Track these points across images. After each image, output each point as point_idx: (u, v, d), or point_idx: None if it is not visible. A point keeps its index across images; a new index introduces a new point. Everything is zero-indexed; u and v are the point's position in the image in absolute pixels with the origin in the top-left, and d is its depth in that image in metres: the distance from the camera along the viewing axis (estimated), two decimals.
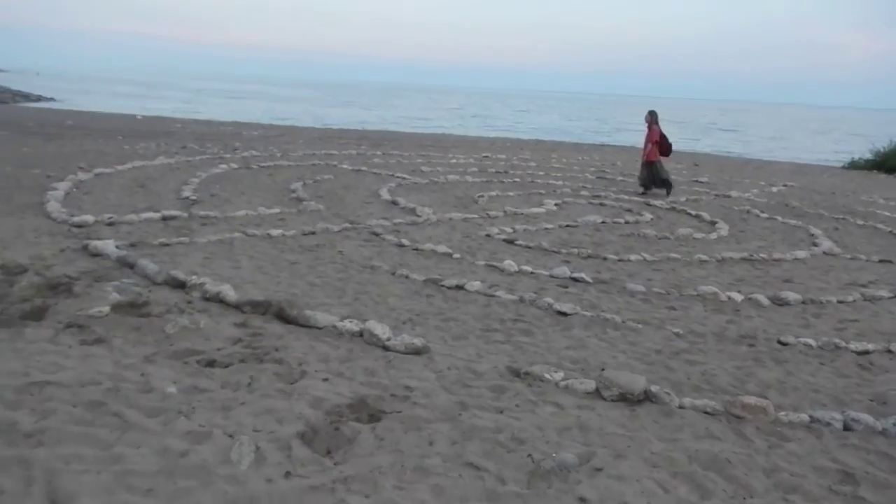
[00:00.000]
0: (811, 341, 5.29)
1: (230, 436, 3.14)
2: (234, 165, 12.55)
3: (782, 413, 3.89)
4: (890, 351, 5.22)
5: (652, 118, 13.22)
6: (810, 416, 3.87)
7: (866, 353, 5.18)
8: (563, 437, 3.43)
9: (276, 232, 7.54)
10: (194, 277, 5.39)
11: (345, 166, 13.79)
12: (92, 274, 5.47)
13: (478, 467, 3.08)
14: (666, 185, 12.90)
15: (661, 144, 13.01)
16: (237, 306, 4.95)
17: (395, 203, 10.11)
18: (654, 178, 12.96)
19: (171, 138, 17.24)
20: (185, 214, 8.00)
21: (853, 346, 5.26)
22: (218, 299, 5.06)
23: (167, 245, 6.65)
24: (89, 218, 7.31)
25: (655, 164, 12.94)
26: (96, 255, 6.05)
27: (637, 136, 39.14)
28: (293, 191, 10.40)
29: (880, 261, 8.54)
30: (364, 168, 13.75)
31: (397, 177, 12.87)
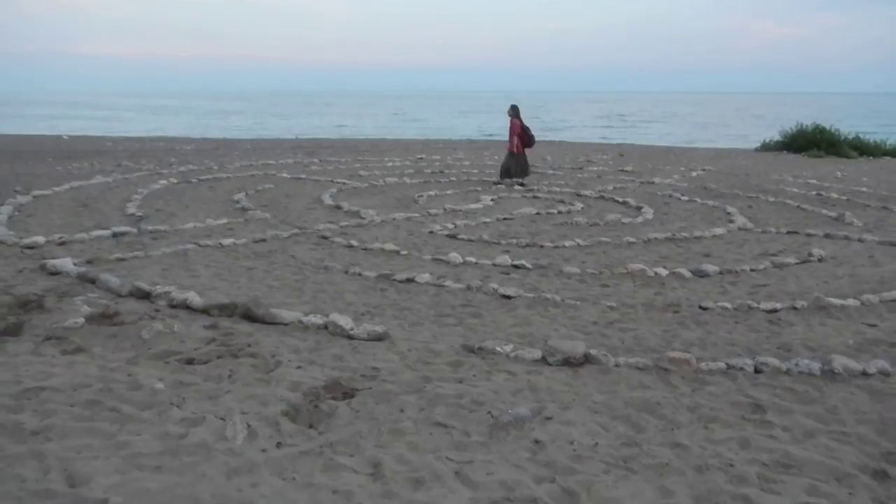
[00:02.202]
0: (728, 305, 5.94)
1: (222, 419, 3.50)
2: (174, 180, 12.65)
3: (703, 363, 4.47)
4: (795, 308, 5.92)
5: (514, 112, 13.94)
6: (727, 364, 4.47)
7: (775, 311, 5.86)
8: (516, 398, 3.91)
9: (227, 241, 7.81)
10: (158, 287, 5.66)
11: (284, 175, 14.02)
12: (56, 291, 5.67)
13: (445, 425, 3.53)
14: (524, 174, 13.73)
15: (523, 137, 13.84)
16: (205, 310, 5.25)
17: (338, 207, 10.46)
18: (517, 168, 13.72)
19: (104, 157, 17.08)
20: (135, 230, 8.17)
21: (763, 305, 5.94)
22: (185, 306, 5.35)
23: (123, 260, 6.85)
24: (40, 239, 7.42)
25: (519, 155, 13.75)
26: (55, 273, 6.22)
27: (570, 133, 40.30)
28: (237, 201, 10.62)
29: (788, 232, 9.38)
30: (303, 176, 14.01)
31: (337, 182, 13.20)
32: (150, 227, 8.34)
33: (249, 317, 5.15)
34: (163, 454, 3.15)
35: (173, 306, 5.38)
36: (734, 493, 2.99)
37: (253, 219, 9.39)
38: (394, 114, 69.58)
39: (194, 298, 5.40)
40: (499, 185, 13.38)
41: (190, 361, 4.31)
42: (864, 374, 4.44)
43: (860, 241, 8.83)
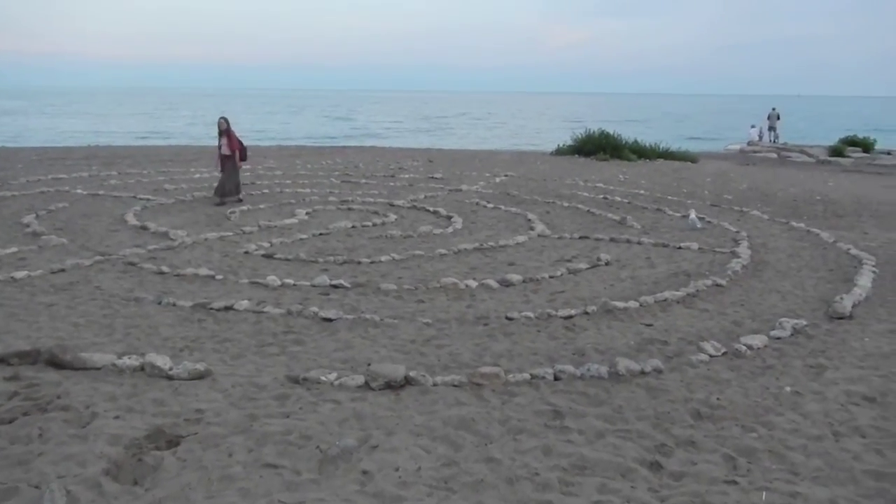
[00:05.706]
0: (530, 314, 6.54)
1: (37, 487, 3.34)
2: None
3: (511, 375, 4.95)
4: (587, 313, 6.65)
5: (227, 124, 12.73)
6: (530, 374, 4.98)
7: (570, 317, 6.54)
8: (343, 427, 4.11)
9: (20, 274, 7.21)
10: None
11: (79, 191, 13.04)
12: None
13: (275, 466, 3.65)
14: (235, 192, 12.76)
15: (242, 150, 12.89)
16: (2, 359, 4.87)
17: (144, 228, 9.96)
18: (234, 184, 12.70)
19: None
20: None
21: (561, 312, 6.61)
22: None
23: None
24: None
25: (236, 171, 12.74)
26: None
27: (379, 139, 40.81)
28: (27, 225, 9.76)
29: (580, 237, 10.39)
30: (101, 192, 13.11)
31: (140, 199, 12.51)
32: None
33: (56, 363, 4.86)
34: None
35: None
36: (540, 499, 3.42)
37: (48, 245, 8.69)
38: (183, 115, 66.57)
39: None
40: (223, 205, 12.21)
41: None
42: (643, 372, 5.15)
43: (639, 243, 10.01)
